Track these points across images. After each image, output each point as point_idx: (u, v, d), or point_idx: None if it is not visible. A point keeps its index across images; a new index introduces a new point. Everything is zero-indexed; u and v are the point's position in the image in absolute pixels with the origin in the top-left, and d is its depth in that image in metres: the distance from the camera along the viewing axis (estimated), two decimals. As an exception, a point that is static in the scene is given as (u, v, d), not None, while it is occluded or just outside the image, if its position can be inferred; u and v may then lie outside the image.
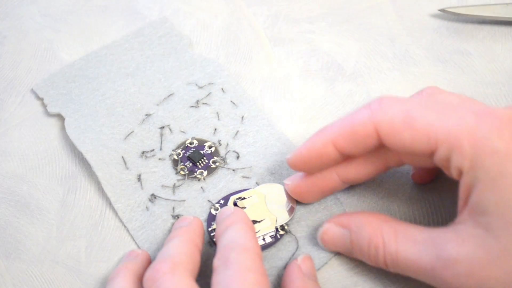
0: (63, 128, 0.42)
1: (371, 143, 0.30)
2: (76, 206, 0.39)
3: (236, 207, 0.35)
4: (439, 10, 0.47)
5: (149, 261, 0.35)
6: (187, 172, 0.39)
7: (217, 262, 0.30)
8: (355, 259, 0.35)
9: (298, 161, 0.33)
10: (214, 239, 0.34)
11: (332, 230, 0.34)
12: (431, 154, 0.29)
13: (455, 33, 0.46)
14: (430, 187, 0.38)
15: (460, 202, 0.29)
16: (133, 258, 0.34)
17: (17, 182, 0.40)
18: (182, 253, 0.31)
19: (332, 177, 0.34)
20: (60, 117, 0.42)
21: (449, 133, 0.28)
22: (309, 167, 0.33)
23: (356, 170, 0.33)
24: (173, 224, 0.37)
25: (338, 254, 0.35)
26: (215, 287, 0.29)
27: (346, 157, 0.33)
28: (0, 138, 0.42)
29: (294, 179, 0.35)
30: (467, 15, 0.45)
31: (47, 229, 0.38)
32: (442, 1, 0.48)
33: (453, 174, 0.29)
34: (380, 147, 0.32)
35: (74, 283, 0.36)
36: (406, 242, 0.30)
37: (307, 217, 0.37)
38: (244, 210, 0.36)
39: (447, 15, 0.47)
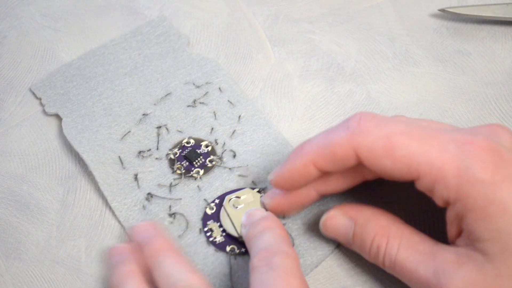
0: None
1: (351, 163, 0.30)
2: (76, 206, 0.39)
3: (268, 211, 0.35)
4: (439, 10, 0.46)
5: (138, 252, 0.34)
6: (183, 171, 0.39)
7: (258, 262, 0.30)
8: (355, 259, 0.35)
9: (281, 182, 0.33)
10: (239, 238, 0.35)
11: (337, 218, 0.34)
12: (413, 181, 0.29)
13: (455, 33, 0.46)
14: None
15: (451, 228, 0.30)
16: (126, 257, 0.33)
17: (17, 182, 0.40)
18: None
19: (310, 192, 0.34)
20: (59, 117, 0.42)
21: (431, 165, 0.28)
22: (292, 186, 0.33)
23: (334, 185, 0.34)
24: (170, 222, 0.37)
25: (334, 252, 0.36)
26: (258, 284, 0.29)
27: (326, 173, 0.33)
28: (0, 138, 0.42)
29: (273, 197, 0.35)
30: (467, 15, 0.45)
31: (47, 229, 0.38)
32: (442, 1, 0.48)
33: (438, 203, 0.29)
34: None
35: (74, 283, 0.36)
36: (407, 249, 0.30)
37: (303, 215, 0.37)
38: (239, 209, 0.36)
39: (447, 15, 0.47)
